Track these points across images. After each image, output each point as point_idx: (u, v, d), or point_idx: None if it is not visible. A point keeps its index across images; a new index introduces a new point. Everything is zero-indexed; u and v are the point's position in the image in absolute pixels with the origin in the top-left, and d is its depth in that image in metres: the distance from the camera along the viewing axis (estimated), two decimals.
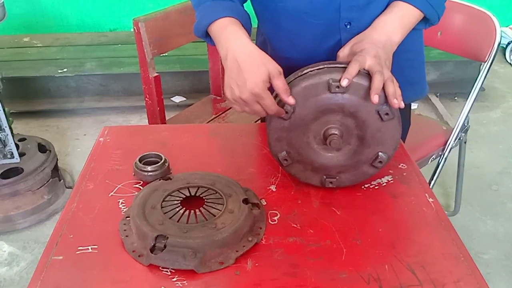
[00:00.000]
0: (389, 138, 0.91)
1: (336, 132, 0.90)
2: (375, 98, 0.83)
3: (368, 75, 0.86)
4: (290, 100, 0.87)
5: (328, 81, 0.85)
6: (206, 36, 1.00)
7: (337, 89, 0.85)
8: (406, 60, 1.11)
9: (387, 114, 0.87)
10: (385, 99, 0.86)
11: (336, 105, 0.87)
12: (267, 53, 0.89)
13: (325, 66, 0.89)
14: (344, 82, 0.84)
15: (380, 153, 0.92)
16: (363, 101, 0.86)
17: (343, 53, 0.96)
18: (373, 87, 0.84)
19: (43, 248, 0.81)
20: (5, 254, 1.91)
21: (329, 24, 0.91)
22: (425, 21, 1.02)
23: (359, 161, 0.93)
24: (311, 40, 1.05)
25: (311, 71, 0.89)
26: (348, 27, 1.01)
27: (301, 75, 0.89)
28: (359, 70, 0.86)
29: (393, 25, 0.96)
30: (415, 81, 1.22)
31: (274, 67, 0.87)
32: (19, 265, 1.86)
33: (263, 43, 1.17)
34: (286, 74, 0.91)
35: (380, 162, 0.93)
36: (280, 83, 0.86)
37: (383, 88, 0.85)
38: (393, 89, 0.85)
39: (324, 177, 0.95)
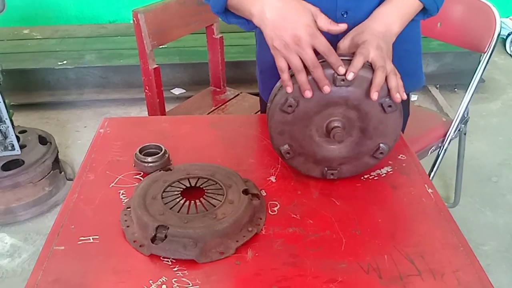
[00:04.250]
0: (391, 130, 0.91)
1: (339, 125, 0.90)
2: (374, 96, 0.83)
3: (371, 67, 0.86)
4: (342, 26, 0.88)
5: (333, 74, 0.85)
6: (224, 11, 0.99)
7: (342, 82, 0.85)
8: (403, 51, 1.10)
9: (390, 106, 0.87)
10: (388, 91, 0.86)
11: (340, 98, 0.87)
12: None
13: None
14: (350, 76, 0.84)
15: (381, 145, 0.92)
16: (366, 94, 0.86)
17: (343, 44, 0.95)
18: (374, 83, 0.83)
19: (44, 240, 0.82)
20: (7, 245, 1.92)
21: (326, 13, 0.91)
22: (424, 11, 1.02)
23: (361, 153, 0.94)
24: None
25: None
26: (344, 16, 1.01)
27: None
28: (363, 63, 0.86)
29: (392, 16, 0.96)
30: (412, 72, 1.22)
31: (313, 7, 0.87)
32: (21, 256, 1.87)
33: (260, 33, 1.17)
34: None
35: (381, 153, 0.93)
36: (323, 20, 0.87)
37: (386, 81, 0.85)
38: (396, 83, 0.85)
39: (326, 169, 0.95)
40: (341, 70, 0.83)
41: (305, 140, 0.92)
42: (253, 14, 0.90)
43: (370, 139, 0.92)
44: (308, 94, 0.85)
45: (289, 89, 0.86)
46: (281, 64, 0.87)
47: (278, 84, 0.92)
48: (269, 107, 0.93)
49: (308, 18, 0.86)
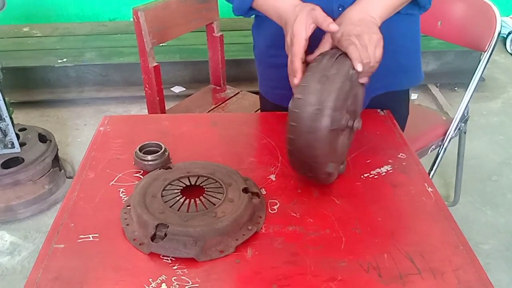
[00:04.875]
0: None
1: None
2: (358, 67, 0.85)
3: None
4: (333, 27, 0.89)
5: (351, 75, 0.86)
6: (248, 11, 1.05)
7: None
8: (400, 46, 1.10)
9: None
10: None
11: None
12: None
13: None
14: (359, 67, 0.85)
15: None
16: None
17: (325, 39, 0.95)
18: (352, 58, 0.85)
19: (44, 238, 0.82)
20: (7, 243, 1.92)
21: (323, 6, 0.93)
22: (417, 4, 1.01)
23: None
24: None
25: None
26: (340, 10, 1.02)
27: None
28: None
29: (373, 4, 0.95)
30: (409, 68, 1.22)
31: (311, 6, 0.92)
32: (20, 254, 1.87)
33: (258, 18, 1.19)
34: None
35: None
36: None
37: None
38: (357, 54, 0.86)
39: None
40: (295, 80, 0.87)
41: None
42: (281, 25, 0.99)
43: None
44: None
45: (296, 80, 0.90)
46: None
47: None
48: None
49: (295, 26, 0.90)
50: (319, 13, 0.90)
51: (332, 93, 0.81)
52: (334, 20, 0.94)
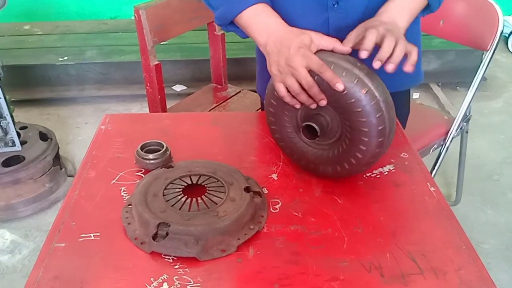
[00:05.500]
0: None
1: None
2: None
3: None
4: (346, 48, 0.87)
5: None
6: (229, 24, 1.01)
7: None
8: None
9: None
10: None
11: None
12: None
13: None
14: (363, 54, 0.84)
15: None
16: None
17: (351, 36, 0.93)
18: (381, 49, 0.84)
19: (45, 236, 0.82)
20: (7, 242, 1.91)
21: (318, 2, 0.92)
22: (425, 7, 1.01)
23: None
24: (301, 16, 1.04)
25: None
26: (335, 6, 1.02)
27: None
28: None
29: (398, 11, 0.95)
30: None
31: (314, 32, 0.88)
32: (21, 253, 1.86)
33: None
34: None
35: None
36: (326, 40, 0.88)
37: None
38: (400, 52, 0.84)
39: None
40: (339, 86, 0.82)
41: None
42: (259, 43, 0.95)
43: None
44: (313, 106, 0.88)
45: (297, 106, 0.90)
46: (280, 89, 0.90)
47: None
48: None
49: (301, 40, 0.87)
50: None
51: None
52: (329, 17, 0.94)
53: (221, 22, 1.02)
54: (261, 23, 0.94)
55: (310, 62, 0.84)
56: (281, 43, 0.89)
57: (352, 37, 0.89)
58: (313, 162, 0.95)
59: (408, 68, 0.86)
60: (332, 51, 0.88)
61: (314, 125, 0.88)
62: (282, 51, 0.88)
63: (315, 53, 0.87)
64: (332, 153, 0.92)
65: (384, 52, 0.84)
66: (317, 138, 0.89)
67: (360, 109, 0.82)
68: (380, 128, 0.84)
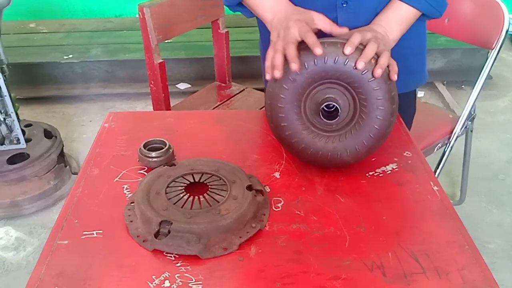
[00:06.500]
0: None
1: None
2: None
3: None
4: (343, 29, 0.94)
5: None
6: (237, 4, 1.07)
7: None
8: (406, 48, 1.10)
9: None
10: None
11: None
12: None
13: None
14: (360, 65, 0.87)
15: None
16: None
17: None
18: (363, 54, 0.87)
19: (49, 233, 0.82)
20: (12, 239, 1.92)
21: (328, 1, 0.97)
22: (426, 15, 1.02)
23: None
24: None
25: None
26: (344, 6, 1.03)
27: None
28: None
29: (391, 23, 1.00)
30: (415, 70, 1.22)
31: (316, 13, 0.95)
32: (26, 249, 1.87)
33: (262, 22, 1.18)
34: None
35: None
36: (325, 22, 0.95)
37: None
38: (385, 60, 0.88)
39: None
40: (318, 51, 0.86)
41: None
42: (266, 20, 1.01)
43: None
44: (277, 75, 0.90)
45: (268, 76, 0.92)
46: (269, 54, 0.93)
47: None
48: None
49: (302, 16, 0.93)
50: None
51: None
52: (338, 16, 0.97)
53: (229, 3, 1.08)
54: (269, 2, 1.00)
55: (305, 37, 0.88)
56: (285, 17, 0.95)
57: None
58: (331, 150, 0.95)
59: (393, 76, 0.91)
60: (330, 33, 0.94)
61: (333, 103, 0.92)
62: (284, 23, 0.94)
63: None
64: (349, 134, 0.94)
65: (366, 53, 0.87)
66: (337, 118, 0.93)
67: (373, 78, 0.89)
68: (392, 94, 0.91)
